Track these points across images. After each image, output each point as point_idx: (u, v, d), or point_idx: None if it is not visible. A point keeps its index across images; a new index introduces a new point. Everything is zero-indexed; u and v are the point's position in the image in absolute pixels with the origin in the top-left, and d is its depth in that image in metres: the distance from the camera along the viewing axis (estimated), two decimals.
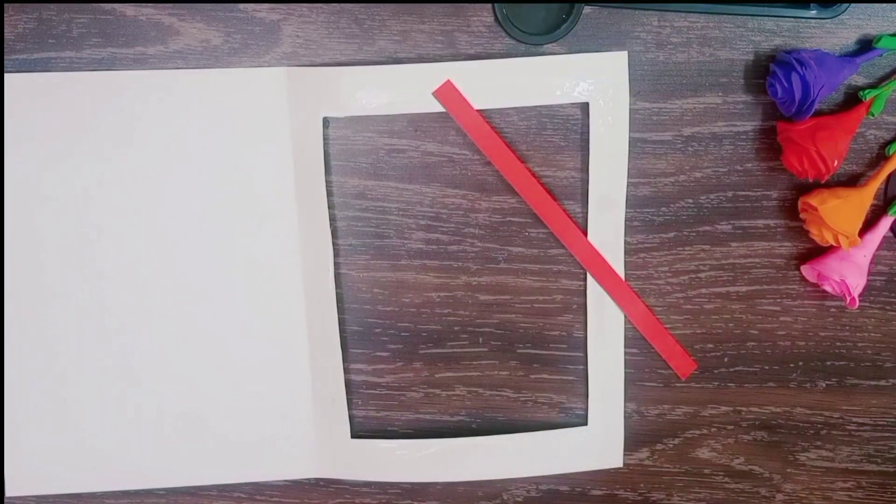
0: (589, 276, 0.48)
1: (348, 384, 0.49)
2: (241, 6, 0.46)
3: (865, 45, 0.46)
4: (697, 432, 0.51)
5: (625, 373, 0.49)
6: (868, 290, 0.48)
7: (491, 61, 0.46)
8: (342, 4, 0.46)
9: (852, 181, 0.48)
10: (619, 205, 0.48)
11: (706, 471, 0.51)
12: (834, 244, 0.46)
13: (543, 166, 0.47)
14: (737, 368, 0.50)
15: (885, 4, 0.46)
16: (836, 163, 0.44)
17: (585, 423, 0.50)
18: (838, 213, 0.45)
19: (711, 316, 0.49)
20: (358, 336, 0.49)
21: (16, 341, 0.48)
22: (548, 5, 0.45)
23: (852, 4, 0.45)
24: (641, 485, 0.51)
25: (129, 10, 0.45)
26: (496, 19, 0.46)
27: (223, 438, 0.49)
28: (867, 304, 0.49)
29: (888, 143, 0.47)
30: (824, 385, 0.50)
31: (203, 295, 0.48)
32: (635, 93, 0.46)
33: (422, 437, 0.50)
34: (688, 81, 0.47)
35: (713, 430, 0.51)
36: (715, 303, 0.49)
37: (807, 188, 0.47)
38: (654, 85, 0.47)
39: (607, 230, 0.48)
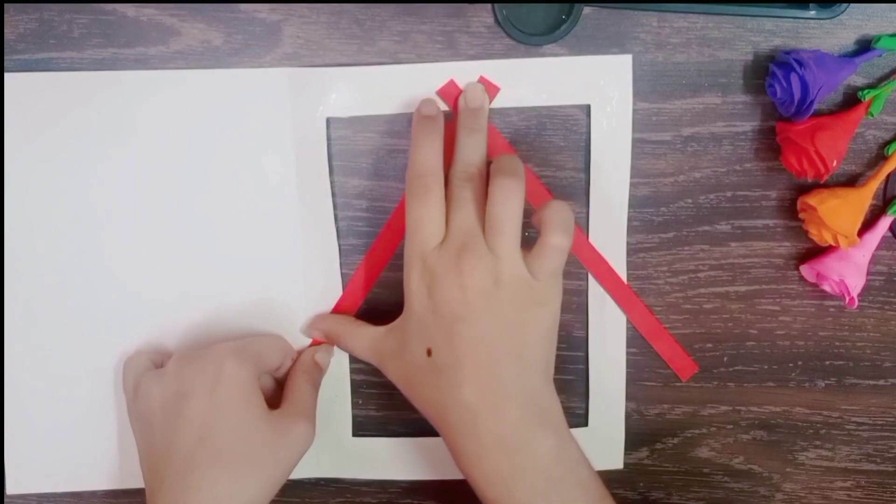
0: (590, 276, 0.48)
1: (349, 383, 0.50)
2: (242, 7, 0.46)
3: (864, 46, 0.46)
4: (697, 432, 0.51)
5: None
6: (867, 289, 0.49)
7: (493, 62, 0.46)
8: (343, 5, 0.46)
9: (851, 181, 0.48)
10: (621, 207, 0.48)
11: (705, 470, 0.51)
12: (833, 244, 0.46)
13: (543, 166, 0.48)
14: (736, 368, 0.50)
15: (884, 5, 0.46)
16: (835, 163, 0.44)
17: (586, 424, 0.50)
18: (837, 212, 0.45)
19: (711, 316, 0.49)
20: None
21: (16, 340, 0.48)
22: (547, 6, 0.46)
23: (852, 5, 0.45)
24: (641, 484, 0.51)
25: (130, 10, 0.46)
26: (496, 20, 0.46)
27: None
28: (866, 304, 0.49)
29: (887, 143, 0.47)
30: (823, 384, 0.50)
31: (204, 295, 0.48)
32: (634, 93, 0.46)
33: (422, 436, 0.50)
34: (687, 82, 0.47)
35: (712, 429, 0.51)
36: (714, 303, 0.49)
37: (806, 188, 0.48)
38: (653, 85, 0.47)
39: (609, 231, 0.48)
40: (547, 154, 0.47)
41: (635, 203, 0.48)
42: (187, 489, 0.40)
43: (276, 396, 0.46)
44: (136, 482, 0.49)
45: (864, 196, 0.46)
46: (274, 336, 0.47)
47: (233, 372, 0.42)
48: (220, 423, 0.41)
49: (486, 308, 0.41)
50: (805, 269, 0.49)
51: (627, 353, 0.49)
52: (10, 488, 0.50)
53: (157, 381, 0.43)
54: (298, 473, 0.49)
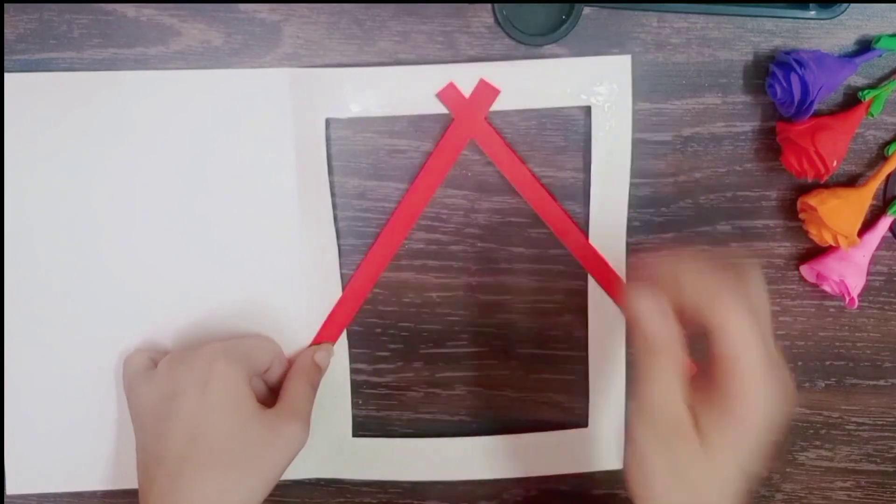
0: (590, 276, 0.48)
1: (349, 383, 0.50)
2: (242, 7, 0.46)
3: (865, 46, 0.46)
4: None
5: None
6: (867, 290, 0.49)
7: (493, 63, 0.46)
8: (343, 5, 0.46)
9: (851, 181, 0.48)
10: (621, 207, 0.48)
11: None
12: (833, 244, 0.46)
13: (544, 167, 0.48)
14: None
15: (884, 5, 0.46)
16: (835, 163, 0.44)
17: (586, 424, 0.50)
18: (837, 213, 0.45)
19: None
20: (359, 336, 0.49)
21: (16, 340, 0.48)
22: (547, 6, 0.46)
23: (852, 5, 0.45)
24: None
25: (130, 10, 0.46)
26: (496, 20, 0.46)
27: None
28: (866, 304, 0.49)
29: (887, 143, 0.47)
30: (823, 385, 0.50)
31: (204, 295, 0.48)
32: (634, 93, 0.46)
33: (422, 436, 0.50)
34: (687, 82, 0.47)
35: None
36: None
37: (806, 188, 0.48)
38: (653, 85, 0.47)
39: (609, 231, 0.48)
40: (547, 154, 0.47)
41: (635, 203, 0.48)
42: (178, 489, 0.40)
43: (267, 401, 0.45)
44: (136, 482, 0.49)
45: (864, 196, 0.46)
46: (262, 336, 0.47)
47: (223, 371, 0.42)
48: (211, 423, 0.41)
49: None
50: (805, 270, 0.49)
51: (627, 353, 0.49)
52: (10, 488, 0.50)
53: (148, 382, 0.43)
54: (298, 473, 0.49)
